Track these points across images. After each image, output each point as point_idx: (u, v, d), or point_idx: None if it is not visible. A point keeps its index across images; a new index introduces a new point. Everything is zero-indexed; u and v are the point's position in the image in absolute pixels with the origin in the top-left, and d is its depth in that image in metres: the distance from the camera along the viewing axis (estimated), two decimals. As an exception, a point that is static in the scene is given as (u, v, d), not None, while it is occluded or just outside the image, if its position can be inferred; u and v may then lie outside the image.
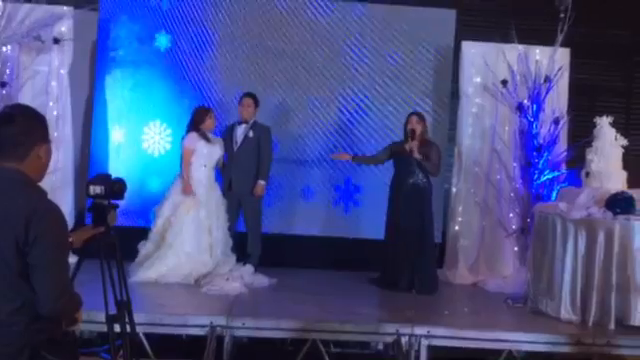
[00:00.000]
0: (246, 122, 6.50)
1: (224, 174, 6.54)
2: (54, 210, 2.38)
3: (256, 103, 6.52)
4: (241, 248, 6.48)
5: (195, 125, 6.28)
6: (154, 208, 6.37)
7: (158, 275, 5.95)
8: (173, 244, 6.07)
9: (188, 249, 6.09)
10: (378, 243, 6.50)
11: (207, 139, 6.27)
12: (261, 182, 6.49)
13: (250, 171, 6.48)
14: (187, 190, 6.16)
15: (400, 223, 6.22)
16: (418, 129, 6.24)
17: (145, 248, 6.19)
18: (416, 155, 6.15)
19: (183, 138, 6.33)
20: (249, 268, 6.27)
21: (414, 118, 6.35)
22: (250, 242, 6.53)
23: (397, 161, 6.41)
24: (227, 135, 6.56)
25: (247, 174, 6.48)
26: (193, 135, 6.24)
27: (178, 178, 6.31)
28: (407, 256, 6.15)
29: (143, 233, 6.29)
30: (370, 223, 7.19)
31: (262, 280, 6.19)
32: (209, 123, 6.33)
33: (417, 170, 6.23)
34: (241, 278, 5.97)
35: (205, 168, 6.25)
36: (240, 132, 6.50)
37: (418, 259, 6.17)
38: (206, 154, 6.25)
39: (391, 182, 6.46)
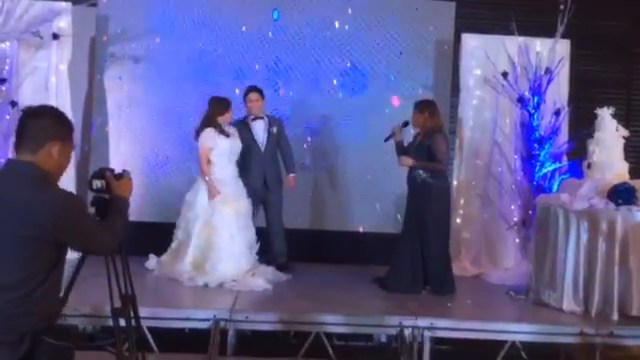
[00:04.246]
0: (259, 118, 6.36)
1: (253, 173, 6.27)
2: (71, 198, 2.52)
3: (262, 96, 6.36)
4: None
5: (212, 118, 5.89)
6: (185, 211, 5.98)
7: (204, 282, 5.61)
8: (224, 249, 5.75)
9: (232, 250, 5.77)
10: (381, 237, 6.48)
11: (225, 133, 5.91)
12: (292, 175, 6.53)
13: (277, 165, 6.49)
14: (213, 194, 5.80)
15: (405, 220, 5.94)
16: (419, 120, 5.80)
17: (188, 257, 5.80)
18: (406, 163, 5.78)
19: (198, 135, 5.93)
20: (270, 268, 6.05)
21: (413, 110, 5.89)
22: (277, 238, 6.38)
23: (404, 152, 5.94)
24: (242, 132, 6.19)
25: (275, 169, 6.47)
26: (210, 131, 5.86)
27: (200, 180, 5.97)
28: (412, 256, 5.75)
29: (145, 228, 6.27)
30: (375, 216, 7.23)
31: (280, 276, 6.03)
32: (229, 115, 5.99)
33: None
34: (263, 275, 5.84)
35: (230, 164, 5.97)
36: (260, 129, 6.34)
37: (426, 259, 5.75)
38: (229, 150, 5.92)
39: None
